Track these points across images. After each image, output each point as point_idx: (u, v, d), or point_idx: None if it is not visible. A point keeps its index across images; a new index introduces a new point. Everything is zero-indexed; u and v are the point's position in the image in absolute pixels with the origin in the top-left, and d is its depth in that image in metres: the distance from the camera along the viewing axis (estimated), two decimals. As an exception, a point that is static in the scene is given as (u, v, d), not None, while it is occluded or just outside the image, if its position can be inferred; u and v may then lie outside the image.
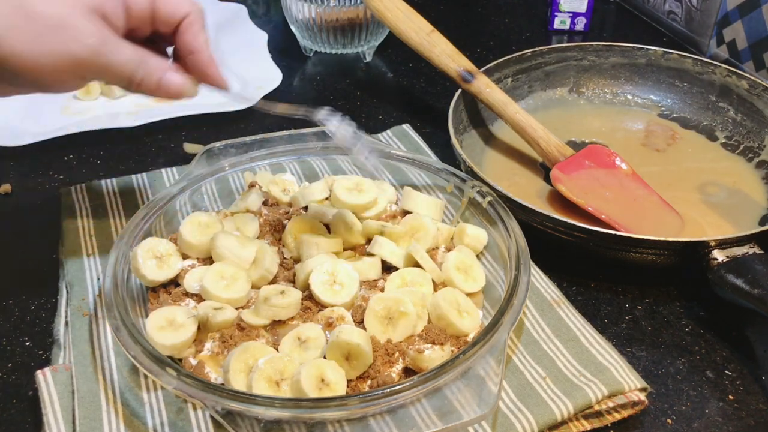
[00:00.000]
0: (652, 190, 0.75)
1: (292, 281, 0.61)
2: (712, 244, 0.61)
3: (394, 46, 1.08)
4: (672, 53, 0.88)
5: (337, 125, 0.58)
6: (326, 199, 0.69)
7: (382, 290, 0.60)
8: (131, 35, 0.54)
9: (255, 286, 0.60)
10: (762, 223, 0.72)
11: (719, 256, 0.60)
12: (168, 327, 0.54)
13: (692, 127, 0.87)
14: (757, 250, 0.61)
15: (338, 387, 0.51)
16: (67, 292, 0.62)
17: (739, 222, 0.72)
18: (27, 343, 0.60)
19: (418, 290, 0.59)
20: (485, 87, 0.80)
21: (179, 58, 0.56)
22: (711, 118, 0.87)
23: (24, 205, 0.76)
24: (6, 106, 0.88)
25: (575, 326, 0.59)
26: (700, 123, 0.87)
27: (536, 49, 0.90)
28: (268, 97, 0.93)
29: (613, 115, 0.90)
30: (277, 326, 0.57)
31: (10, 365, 0.58)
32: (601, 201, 0.73)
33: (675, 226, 0.72)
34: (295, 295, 0.57)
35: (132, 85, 0.53)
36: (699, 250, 0.61)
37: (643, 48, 0.90)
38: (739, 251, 0.60)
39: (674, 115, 0.89)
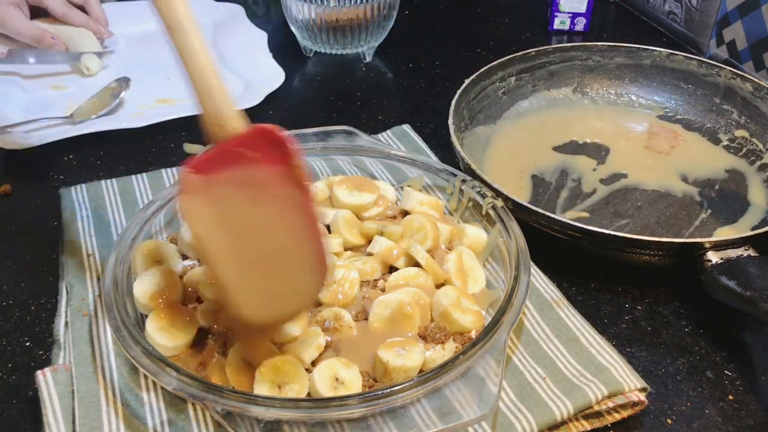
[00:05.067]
0: (318, 232, 0.51)
1: (292, 281, 0.61)
2: (707, 246, 0.61)
3: (394, 46, 1.08)
4: (677, 54, 0.88)
5: None
6: (326, 199, 0.69)
7: (383, 290, 0.60)
8: None
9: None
10: (761, 226, 0.72)
11: (713, 258, 0.60)
12: (169, 328, 0.54)
13: (695, 129, 0.86)
14: (752, 252, 0.61)
15: (353, 384, 0.51)
16: (67, 292, 0.62)
17: (739, 225, 0.72)
18: (27, 343, 0.60)
19: (419, 290, 0.59)
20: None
21: None
22: (715, 120, 0.86)
23: (24, 205, 0.76)
24: (10, 110, 0.88)
25: (575, 326, 0.59)
26: (704, 125, 0.87)
27: (540, 48, 0.89)
28: (270, 96, 0.93)
29: (616, 115, 0.89)
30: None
31: (10, 365, 0.58)
32: (229, 237, 0.51)
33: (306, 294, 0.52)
34: None
35: None
36: (694, 251, 0.61)
37: (648, 49, 0.89)
38: (733, 253, 0.60)
39: (678, 117, 0.88)
